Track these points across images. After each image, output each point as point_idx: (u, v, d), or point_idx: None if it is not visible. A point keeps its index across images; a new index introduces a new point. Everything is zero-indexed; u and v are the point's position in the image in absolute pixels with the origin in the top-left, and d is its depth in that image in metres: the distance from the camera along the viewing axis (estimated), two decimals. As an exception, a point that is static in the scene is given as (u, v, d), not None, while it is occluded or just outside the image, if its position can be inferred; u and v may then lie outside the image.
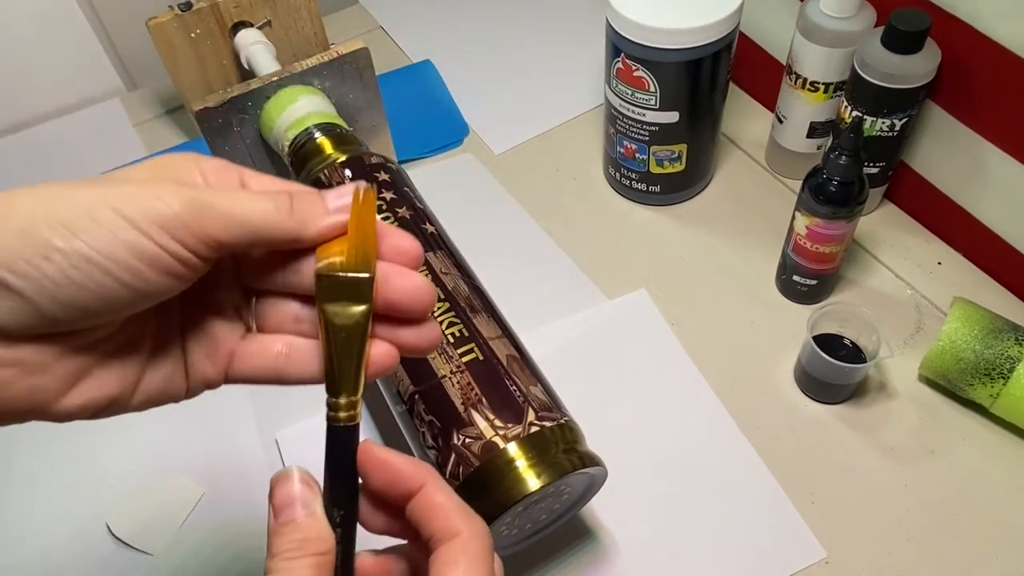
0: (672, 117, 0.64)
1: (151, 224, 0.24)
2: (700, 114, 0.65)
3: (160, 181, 0.25)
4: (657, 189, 0.71)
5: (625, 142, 0.68)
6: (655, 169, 0.69)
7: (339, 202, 0.28)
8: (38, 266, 0.23)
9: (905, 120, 0.61)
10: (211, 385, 0.32)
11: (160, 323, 0.29)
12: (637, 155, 0.68)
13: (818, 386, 0.58)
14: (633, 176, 0.70)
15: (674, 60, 0.60)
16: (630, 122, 0.66)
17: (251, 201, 0.26)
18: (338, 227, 0.28)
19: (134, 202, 0.24)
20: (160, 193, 0.24)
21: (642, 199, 0.72)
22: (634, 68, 0.62)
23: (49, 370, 0.25)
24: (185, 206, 0.24)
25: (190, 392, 0.31)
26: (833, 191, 0.56)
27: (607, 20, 0.63)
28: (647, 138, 0.66)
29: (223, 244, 0.25)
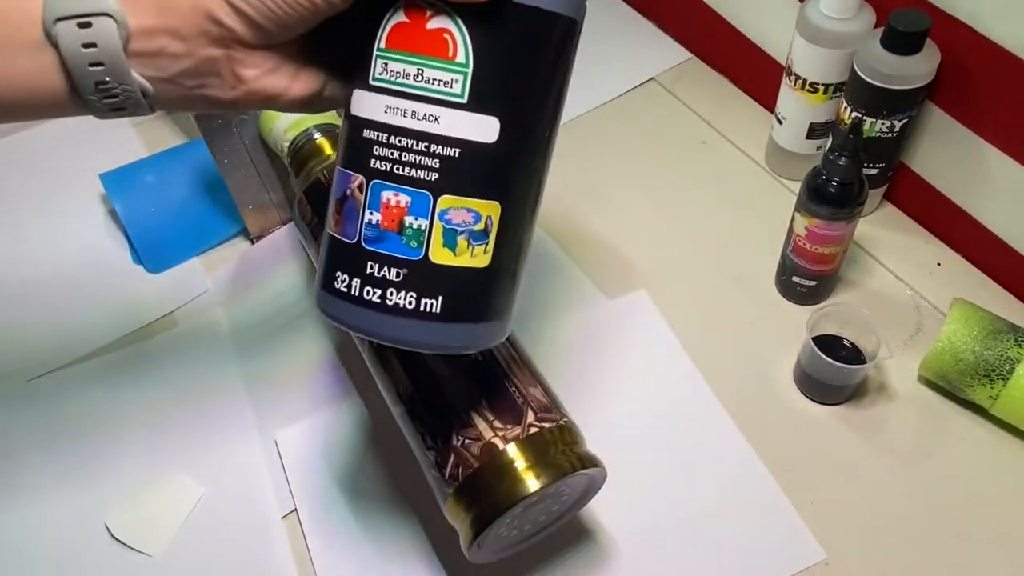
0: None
1: None
2: (524, 115, 0.36)
3: None
4: None
5: None
6: None
7: None
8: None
9: (905, 121, 0.61)
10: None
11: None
12: None
13: (818, 387, 0.58)
14: None
15: (497, 11, 0.47)
16: None
17: None
18: None
19: None
20: None
21: None
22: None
23: (278, 71, 0.36)
24: None
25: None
26: (833, 192, 0.56)
27: None
28: None
29: None
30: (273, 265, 0.70)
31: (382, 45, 0.34)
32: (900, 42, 0.57)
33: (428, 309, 0.34)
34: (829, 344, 0.57)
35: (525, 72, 0.34)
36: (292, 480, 0.57)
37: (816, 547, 0.52)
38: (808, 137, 0.69)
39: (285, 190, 0.70)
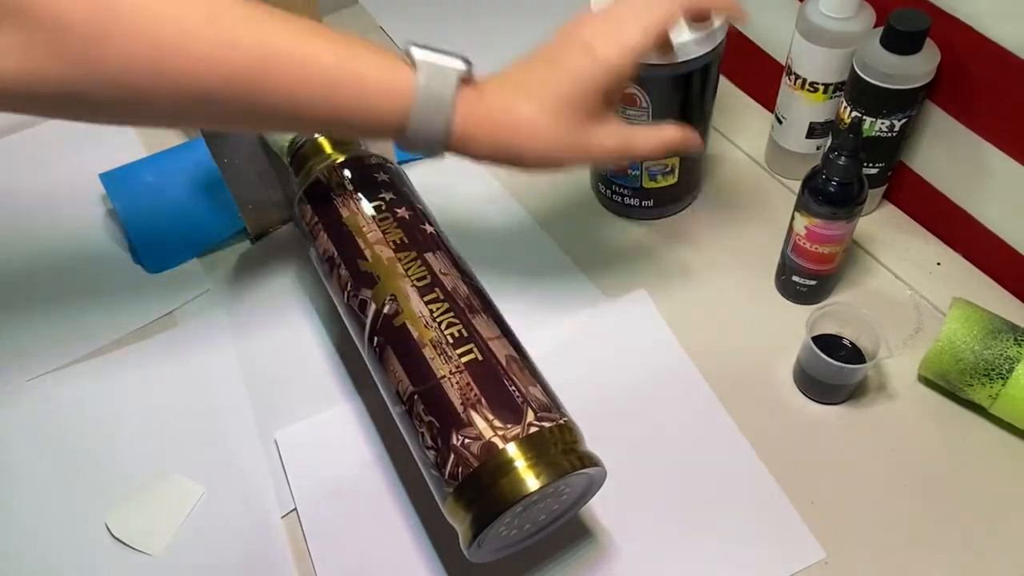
0: None
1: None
2: (692, 125, 0.64)
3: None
4: (650, 204, 0.70)
5: None
6: (648, 184, 0.68)
7: None
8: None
9: (904, 121, 0.61)
10: None
11: None
12: (630, 171, 0.68)
13: (817, 387, 0.58)
14: (625, 192, 0.70)
15: (666, 75, 0.60)
16: None
17: None
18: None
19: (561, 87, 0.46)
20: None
21: (635, 215, 0.72)
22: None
23: None
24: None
25: None
26: (832, 191, 0.56)
27: None
28: None
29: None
30: (273, 265, 0.70)
31: None
32: (900, 42, 0.57)
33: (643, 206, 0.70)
34: (829, 344, 0.57)
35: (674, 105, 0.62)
36: (292, 480, 0.57)
37: (816, 547, 0.52)
38: (808, 137, 0.69)
39: (285, 190, 0.70)
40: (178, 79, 0.39)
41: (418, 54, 0.44)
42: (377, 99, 0.44)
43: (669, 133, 0.51)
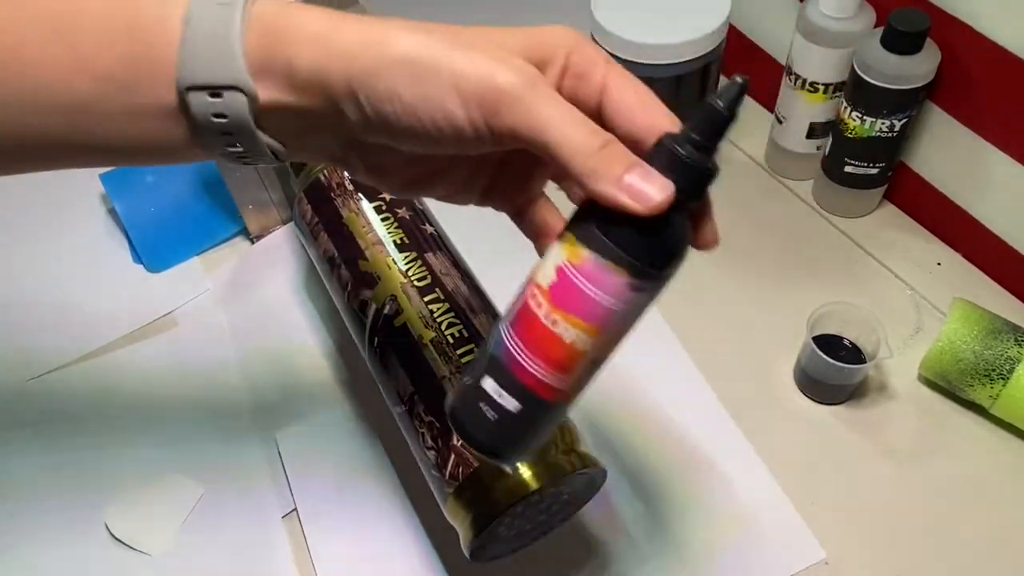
0: None
1: (472, 97, 0.27)
2: None
3: (507, 58, 0.28)
4: None
5: None
6: None
7: (639, 185, 0.28)
8: (380, 102, 0.28)
9: (905, 121, 0.61)
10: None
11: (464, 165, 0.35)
12: None
13: (818, 387, 0.58)
14: None
15: (667, 75, 0.60)
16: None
17: (570, 124, 0.28)
18: (619, 206, 0.28)
19: (473, 72, 0.28)
20: (496, 72, 0.28)
21: None
22: None
23: (390, 172, 0.34)
24: (510, 95, 0.27)
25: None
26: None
27: (592, 37, 0.62)
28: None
29: (516, 137, 0.28)
30: (273, 265, 0.70)
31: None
32: (900, 42, 0.57)
33: None
34: (829, 344, 0.57)
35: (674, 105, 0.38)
36: (292, 480, 0.57)
37: (816, 547, 0.52)
38: (808, 137, 0.69)
39: (285, 190, 0.70)
40: None
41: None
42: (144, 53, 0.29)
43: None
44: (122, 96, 0.30)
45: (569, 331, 0.29)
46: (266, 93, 0.29)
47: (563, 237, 0.30)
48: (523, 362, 0.30)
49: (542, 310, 0.29)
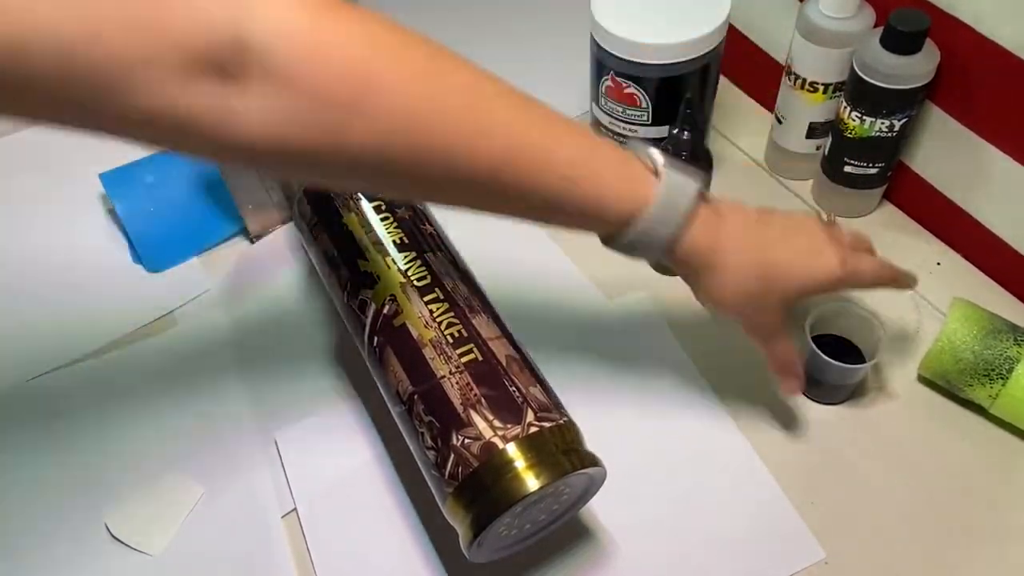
0: (664, 131, 0.64)
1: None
2: (692, 125, 0.65)
3: (816, 257, 0.49)
4: None
5: None
6: None
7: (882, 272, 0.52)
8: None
9: (904, 121, 0.61)
10: None
11: None
12: None
13: (817, 386, 0.58)
14: None
15: (667, 75, 0.60)
16: (620, 139, 0.66)
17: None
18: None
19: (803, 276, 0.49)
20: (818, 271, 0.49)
21: None
22: (625, 85, 0.61)
23: None
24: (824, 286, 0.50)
25: None
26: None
27: (592, 38, 0.62)
28: None
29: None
30: (273, 265, 0.70)
31: None
32: (900, 42, 0.57)
33: None
34: (829, 344, 0.57)
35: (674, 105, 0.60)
36: (292, 480, 0.57)
37: (816, 547, 0.52)
38: (808, 137, 0.69)
39: (285, 190, 0.70)
40: (428, 159, 0.38)
41: (659, 160, 0.45)
42: (612, 200, 0.43)
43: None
44: (577, 213, 0.43)
45: None
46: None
47: None
48: None
49: None
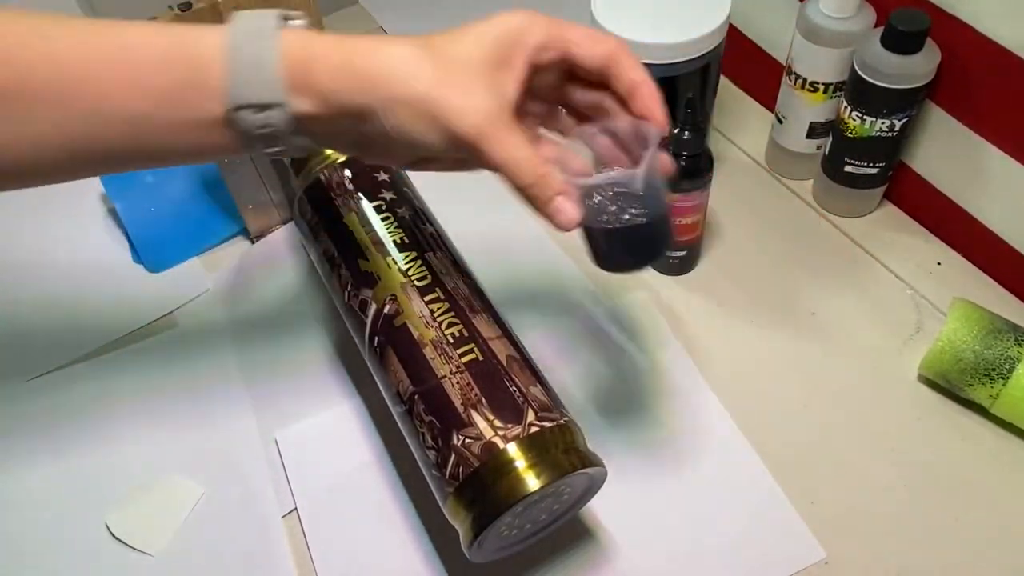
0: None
1: (453, 139, 0.36)
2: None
3: (480, 100, 0.37)
4: None
5: None
6: None
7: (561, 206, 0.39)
8: (390, 128, 0.37)
9: (905, 120, 0.61)
10: None
11: None
12: None
13: (618, 246, 0.49)
14: None
15: (667, 75, 0.60)
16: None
17: (520, 163, 0.37)
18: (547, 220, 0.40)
19: (454, 122, 0.36)
20: (466, 122, 0.36)
21: None
22: None
23: (397, 157, 0.42)
24: (475, 144, 0.37)
25: None
26: (684, 166, 0.58)
27: None
28: None
29: (482, 164, 0.38)
30: (273, 265, 0.70)
31: None
32: (900, 41, 0.57)
33: None
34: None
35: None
36: (292, 480, 0.57)
37: (816, 547, 0.52)
38: (808, 136, 0.69)
39: (285, 190, 0.70)
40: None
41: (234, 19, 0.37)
42: (190, 60, 0.35)
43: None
44: (177, 112, 0.36)
45: None
46: (301, 108, 0.36)
47: None
48: None
49: None
